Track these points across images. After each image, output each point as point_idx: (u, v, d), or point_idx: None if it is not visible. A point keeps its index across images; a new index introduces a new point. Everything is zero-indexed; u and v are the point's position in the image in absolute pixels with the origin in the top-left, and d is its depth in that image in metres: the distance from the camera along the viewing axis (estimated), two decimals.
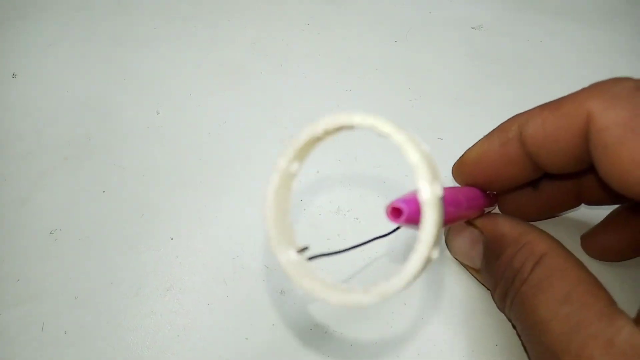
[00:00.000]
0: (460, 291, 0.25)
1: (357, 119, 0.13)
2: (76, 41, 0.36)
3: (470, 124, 0.32)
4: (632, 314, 0.17)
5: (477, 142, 0.21)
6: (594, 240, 0.25)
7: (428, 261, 0.13)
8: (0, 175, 0.29)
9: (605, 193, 0.22)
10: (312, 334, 0.23)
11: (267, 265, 0.25)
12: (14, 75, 0.34)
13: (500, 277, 0.20)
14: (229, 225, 0.27)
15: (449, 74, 0.35)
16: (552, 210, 0.25)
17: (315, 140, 0.14)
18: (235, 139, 0.31)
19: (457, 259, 0.25)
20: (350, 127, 0.14)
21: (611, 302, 0.17)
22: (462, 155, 0.22)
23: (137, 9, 0.39)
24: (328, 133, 0.14)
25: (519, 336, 0.22)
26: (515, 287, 0.19)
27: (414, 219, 0.14)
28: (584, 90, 0.18)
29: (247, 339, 0.23)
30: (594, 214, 0.26)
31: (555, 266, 0.18)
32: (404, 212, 0.14)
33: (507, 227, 0.21)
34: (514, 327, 0.22)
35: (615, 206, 0.24)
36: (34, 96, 0.33)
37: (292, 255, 0.15)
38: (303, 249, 0.15)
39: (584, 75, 0.35)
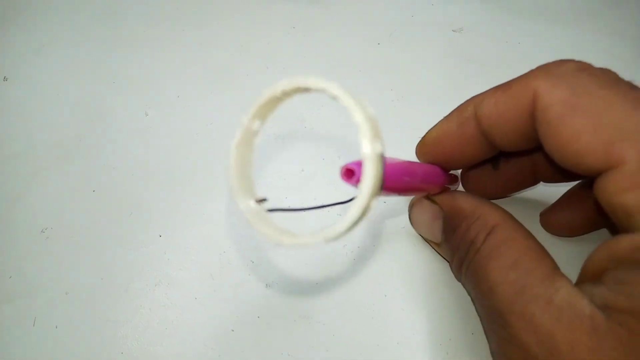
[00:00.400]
0: (440, 284, 0.26)
1: (311, 81, 0.14)
2: (66, 45, 0.37)
3: None
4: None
5: (437, 123, 0.23)
6: (551, 217, 0.26)
7: (367, 210, 0.14)
8: None
9: (557, 170, 0.24)
10: (296, 325, 0.24)
11: (252, 260, 0.26)
12: (5, 79, 0.35)
13: (457, 249, 0.22)
14: (215, 222, 0.28)
15: (430, 74, 0.36)
16: (512, 188, 0.27)
17: (275, 100, 0.16)
18: (222, 139, 0.31)
19: (420, 235, 0.26)
20: (305, 90, 0.15)
21: (554, 267, 0.18)
22: (424, 136, 0.23)
23: (126, 12, 0.40)
24: (286, 94, 0.16)
25: (473, 303, 0.23)
26: (469, 257, 0.20)
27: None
28: (531, 71, 0.19)
29: (233, 330, 0.24)
30: (553, 192, 0.27)
31: (505, 236, 0.19)
32: (356, 173, 0.15)
33: (463, 202, 0.22)
34: (469, 294, 0.24)
35: (572, 183, 0.25)
36: (26, 98, 0.34)
37: (252, 204, 0.16)
38: (262, 200, 0.16)
39: None
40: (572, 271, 0.18)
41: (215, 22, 0.39)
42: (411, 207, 0.25)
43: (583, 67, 0.18)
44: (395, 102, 0.34)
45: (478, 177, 0.26)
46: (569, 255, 0.26)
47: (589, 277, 0.17)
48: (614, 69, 0.38)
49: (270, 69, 0.36)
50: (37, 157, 0.31)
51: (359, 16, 0.40)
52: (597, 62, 0.37)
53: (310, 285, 0.25)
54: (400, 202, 0.28)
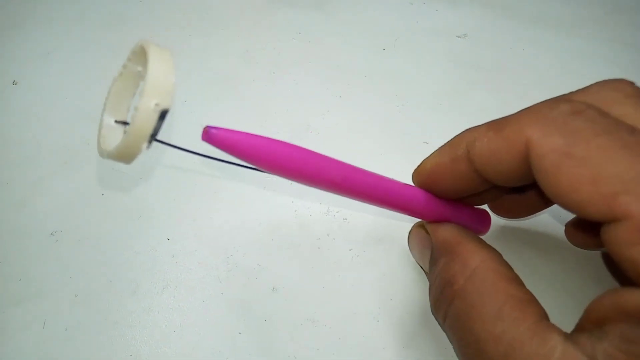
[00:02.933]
0: None
1: (149, 47, 0.16)
2: (73, 50, 0.38)
3: (454, 127, 0.33)
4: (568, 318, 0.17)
5: (431, 154, 0.22)
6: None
7: (130, 146, 0.16)
8: (1, 180, 0.30)
9: None
10: (303, 329, 0.24)
11: (259, 264, 0.26)
12: (14, 83, 0.35)
13: (433, 284, 0.21)
14: (222, 226, 0.28)
15: (434, 80, 0.36)
16: (541, 208, 0.26)
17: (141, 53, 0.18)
18: None
19: (417, 263, 0.25)
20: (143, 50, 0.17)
21: (542, 315, 0.17)
22: (419, 165, 0.23)
23: (131, 19, 0.40)
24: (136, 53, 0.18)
25: (453, 347, 0.21)
26: (447, 298, 0.19)
27: (219, 144, 0.17)
28: (523, 114, 0.18)
29: (240, 333, 0.24)
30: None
31: (486, 281, 0.18)
32: (209, 135, 0.17)
33: (448, 234, 0.21)
34: (447, 337, 0.22)
35: None
36: (34, 103, 0.34)
37: (112, 122, 0.19)
38: (123, 122, 0.19)
39: (562, 81, 0.36)
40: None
41: (221, 28, 0.39)
42: (410, 232, 0.25)
43: (578, 110, 0.17)
44: (400, 107, 0.34)
45: (506, 202, 0.26)
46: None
47: (589, 325, 0.16)
48: (613, 75, 0.39)
49: (276, 74, 0.36)
50: (45, 161, 0.31)
51: (364, 22, 0.41)
52: (597, 69, 0.38)
53: (317, 289, 0.26)
54: None
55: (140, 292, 0.25)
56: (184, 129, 0.33)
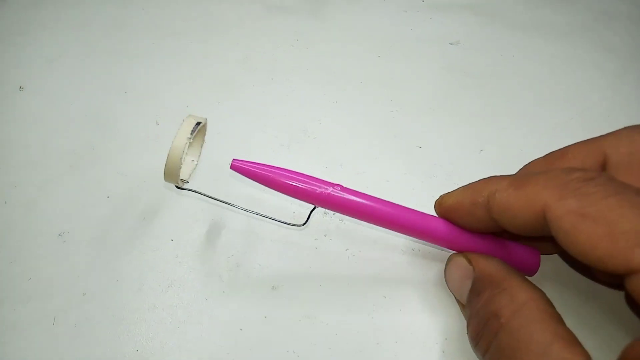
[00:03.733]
0: (436, 286, 0.27)
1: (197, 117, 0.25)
2: (77, 56, 0.39)
3: (446, 132, 0.35)
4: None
5: (455, 190, 0.24)
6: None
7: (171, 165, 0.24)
8: (9, 182, 0.31)
9: None
10: (301, 325, 0.26)
11: (259, 264, 0.28)
12: (20, 89, 0.36)
13: (476, 315, 0.21)
14: (223, 227, 0.29)
15: (427, 86, 0.38)
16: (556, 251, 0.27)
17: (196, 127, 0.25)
18: (229, 147, 0.33)
19: (451, 292, 0.26)
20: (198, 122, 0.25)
21: (588, 358, 0.18)
22: (441, 197, 0.25)
23: (132, 26, 0.41)
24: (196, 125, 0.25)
25: None
26: (491, 331, 0.20)
27: (244, 173, 0.25)
28: (542, 177, 0.20)
29: (241, 329, 0.25)
30: None
31: (535, 318, 0.19)
32: (236, 167, 0.25)
33: (493, 268, 0.22)
34: None
35: None
36: (40, 108, 0.35)
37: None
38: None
39: (551, 87, 0.38)
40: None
41: (221, 35, 0.41)
42: (448, 261, 0.25)
43: (589, 177, 0.19)
44: (395, 112, 0.36)
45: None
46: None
47: None
48: (604, 82, 0.40)
49: (274, 79, 0.37)
50: (51, 164, 0.32)
51: (360, 29, 0.42)
52: (585, 75, 0.39)
53: (314, 287, 0.27)
54: None
55: (145, 290, 0.27)
56: None
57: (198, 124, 0.25)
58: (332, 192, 0.25)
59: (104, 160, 0.32)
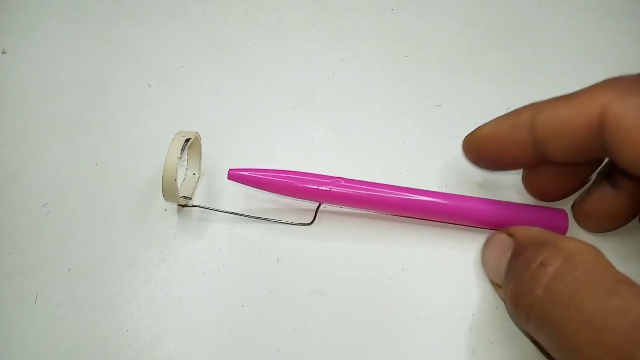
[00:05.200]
0: (460, 253, 0.24)
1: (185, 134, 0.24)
2: (65, 18, 0.36)
3: (467, 90, 0.31)
4: None
5: (490, 121, 0.22)
6: (584, 207, 0.24)
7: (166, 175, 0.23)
8: None
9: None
10: (309, 300, 0.23)
11: (262, 234, 0.25)
12: (3, 52, 0.33)
13: (515, 273, 0.19)
14: (221, 195, 0.26)
15: (445, 41, 0.34)
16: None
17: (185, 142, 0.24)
18: (229, 108, 0.30)
19: (488, 276, 0.23)
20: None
21: None
22: (474, 130, 0.23)
23: None
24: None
25: (543, 352, 0.20)
26: (539, 282, 0.17)
27: (240, 180, 0.24)
28: (597, 85, 0.19)
29: (243, 306, 0.23)
30: None
31: (588, 262, 0.17)
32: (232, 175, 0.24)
33: (536, 232, 0.20)
34: (534, 342, 0.21)
35: None
36: (25, 72, 0.33)
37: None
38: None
39: (580, 41, 0.34)
40: None
41: None
42: (487, 240, 0.23)
43: None
44: (411, 69, 0.32)
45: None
46: None
47: None
48: (631, 34, 0.35)
49: (277, 37, 0.34)
50: (37, 132, 0.29)
51: None
52: (616, 27, 0.35)
53: (323, 259, 0.24)
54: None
55: (136, 265, 0.24)
56: (183, 94, 0.31)
57: (187, 140, 0.24)
58: (332, 190, 0.23)
59: (93, 126, 0.30)
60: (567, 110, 0.19)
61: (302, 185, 0.24)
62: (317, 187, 0.24)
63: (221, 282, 0.24)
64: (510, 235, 0.21)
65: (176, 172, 0.23)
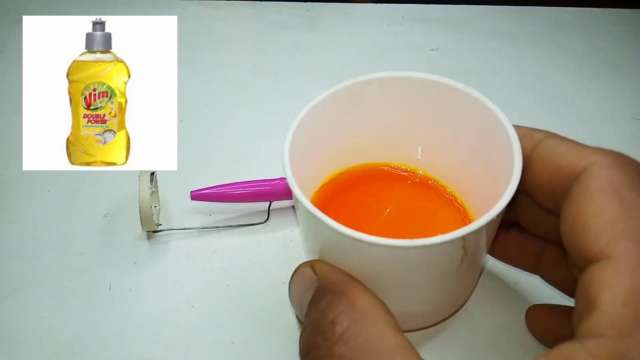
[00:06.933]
0: None
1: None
2: None
3: None
4: None
5: None
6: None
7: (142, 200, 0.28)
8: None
9: (559, 274, 0.23)
10: None
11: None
12: None
13: (310, 324, 0.19)
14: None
15: None
16: (511, 259, 0.26)
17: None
18: (252, 137, 0.37)
19: (293, 308, 0.23)
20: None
21: None
22: None
23: None
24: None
25: None
26: (327, 341, 0.18)
27: (204, 198, 0.30)
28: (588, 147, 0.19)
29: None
30: None
31: (375, 326, 0.17)
32: (195, 196, 0.30)
33: (338, 276, 0.20)
34: None
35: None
36: None
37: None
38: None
39: (519, 82, 0.44)
40: None
41: (230, 46, 0.45)
42: (294, 272, 0.22)
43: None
44: None
45: (506, 242, 0.25)
46: None
47: None
48: (559, 78, 0.46)
49: (281, 82, 0.42)
50: None
51: (353, 39, 0.47)
52: (546, 73, 0.45)
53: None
54: None
55: (191, 257, 0.30)
56: (209, 129, 0.38)
57: (152, 174, 0.29)
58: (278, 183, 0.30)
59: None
60: (565, 150, 0.19)
61: (251, 189, 0.30)
62: (264, 187, 0.30)
63: (262, 271, 0.29)
64: (314, 271, 0.21)
65: (150, 202, 0.28)
